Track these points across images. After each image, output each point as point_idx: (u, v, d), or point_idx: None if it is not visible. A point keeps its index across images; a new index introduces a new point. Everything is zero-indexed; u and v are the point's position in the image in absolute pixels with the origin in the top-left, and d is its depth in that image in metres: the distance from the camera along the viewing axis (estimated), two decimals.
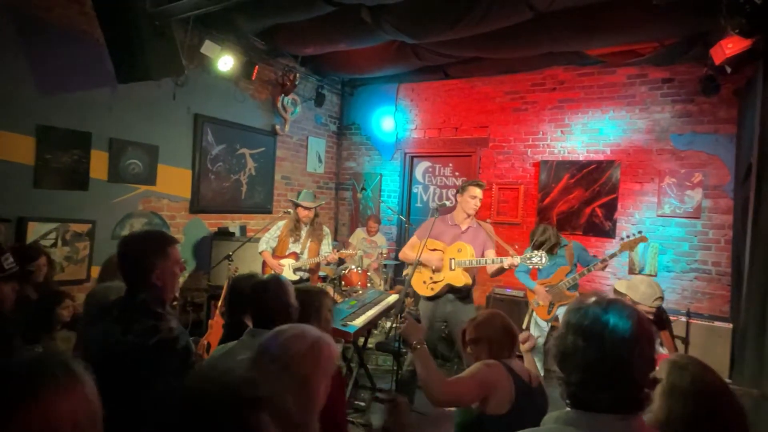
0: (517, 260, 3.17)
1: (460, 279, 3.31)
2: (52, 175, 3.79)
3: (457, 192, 3.62)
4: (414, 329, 2.01)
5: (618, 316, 1.03)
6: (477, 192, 3.46)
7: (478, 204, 3.48)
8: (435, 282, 3.42)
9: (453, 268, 3.35)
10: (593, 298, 1.09)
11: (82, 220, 3.99)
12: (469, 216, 3.50)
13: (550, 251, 4.17)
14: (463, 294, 3.43)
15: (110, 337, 1.60)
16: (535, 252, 3.18)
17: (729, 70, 3.79)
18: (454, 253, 3.37)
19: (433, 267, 3.42)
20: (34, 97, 3.66)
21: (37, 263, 2.92)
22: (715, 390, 1.29)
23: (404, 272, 6.09)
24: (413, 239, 3.63)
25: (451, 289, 3.39)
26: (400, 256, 3.70)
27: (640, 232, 4.01)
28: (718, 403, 1.26)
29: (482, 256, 3.39)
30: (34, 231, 3.67)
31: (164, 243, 1.76)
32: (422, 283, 3.51)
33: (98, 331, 1.69)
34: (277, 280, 1.99)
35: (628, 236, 4.05)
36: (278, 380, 1.21)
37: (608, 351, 1.00)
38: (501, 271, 3.29)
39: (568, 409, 1.07)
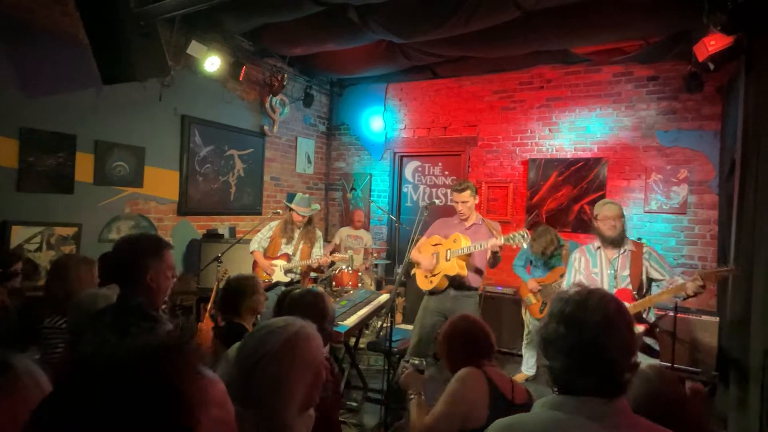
0: (501, 240, 3.21)
1: (454, 268, 3.37)
2: (36, 178, 3.73)
3: None
4: (414, 381, 2.01)
5: (597, 303, 1.08)
6: (456, 197, 3.54)
7: (462, 208, 3.51)
8: (434, 275, 3.51)
9: (448, 258, 3.42)
10: (575, 289, 1.14)
11: (68, 224, 3.93)
12: (465, 217, 3.56)
13: (550, 254, 4.34)
14: (462, 288, 3.49)
15: (106, 343, 1.57)
16: (518, 232, 3.20)
17: (712, 67, 3.84)
18: (450, 244, 3.45)
19: (423, 267, 3.54)
20: (17, 99, 3.60)
21: (14, 268, 2.85)
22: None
23: (395, 270, 6.09)
24: (422, 240, 3.72)
25: (448, 280, 3.46)
26: (411, 257, 3.71)
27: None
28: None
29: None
30: (18, 235, 3.61)
31: (159, 245, 1.78)
32: (423, 278, 3.60)
33: (90, 339, 1.66)
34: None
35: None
36: (252, 379, 1.16)
37: (587, 335, 1.05)
38: (496, 259, 3.36)
39: (555, 395, 1.11)
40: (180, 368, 0.63)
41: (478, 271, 3.56)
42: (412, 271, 3.80)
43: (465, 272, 3.39)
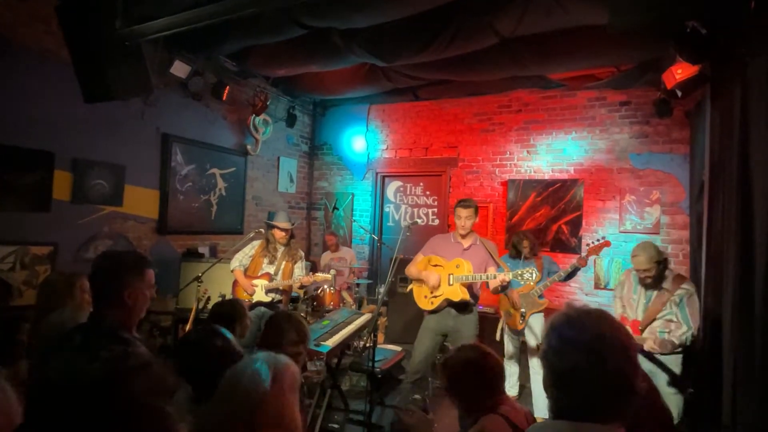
0: (508, 276, 3.34)
1: (458, 294, 3.46)
2: (12, 196, 3.65)
3: None
4: (424, 426, 1.82)
5: (610, 327, 1.04)
6: (458, 212, 3.65)
7: (465, 223, 3.60)
8: (435, 297, 3.59)
9: (451, 283, 3.51)
10: (577, 311, 1.08)
11: (43, 243, 3.85)
12: (466, 234, 3.65)
13: (532, 252, 4.41)
14: (463, 308, 3.58)
15: (74, 367, 1.54)
16: (527, 269, 3.33)
17: (680, 93, 4.02)
18: (453, 269, 3.54)
19: (430, 285, 3.58)
20: None
21: None
22: None
23: (377, 290, 6.09)
24: (418, 256, 3.80)
25: (449, 303, 3.54)
26: (406, 272, 3.82)
27: (603, 237, 4.27)
28: None
29: (485, 272, 3.55)
30: None
31: (142, 263, 1.77)
32: (423, 298, 3.67)
33: (58, 362, 1.62)
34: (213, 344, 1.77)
35: (593, 242, 4.31)
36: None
37: (611, 367, 1.00)
38: (500, 288, 3.48)
39: (550, 419, 1.07)
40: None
41: (478, 291, 3.70)
42: (408, 288, 3.85)
43: (468, 296, 3.50)
